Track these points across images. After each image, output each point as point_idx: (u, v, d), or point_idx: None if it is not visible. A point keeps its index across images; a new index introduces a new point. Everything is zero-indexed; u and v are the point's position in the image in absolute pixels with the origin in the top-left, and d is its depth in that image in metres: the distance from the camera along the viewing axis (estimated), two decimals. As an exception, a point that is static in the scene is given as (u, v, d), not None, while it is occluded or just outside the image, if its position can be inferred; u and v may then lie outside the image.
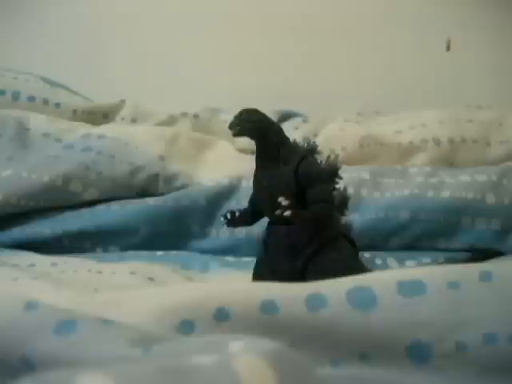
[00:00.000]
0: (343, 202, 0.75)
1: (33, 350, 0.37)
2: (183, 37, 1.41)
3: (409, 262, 0.86)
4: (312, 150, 0.73)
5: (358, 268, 0.69)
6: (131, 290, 0.55)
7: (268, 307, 0.43)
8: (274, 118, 1.20)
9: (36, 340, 0.38)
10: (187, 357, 0.29)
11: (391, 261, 0.87)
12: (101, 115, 1.22)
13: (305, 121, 1.22)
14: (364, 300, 0.43)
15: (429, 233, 0.91)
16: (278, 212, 0.66)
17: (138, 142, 1.02)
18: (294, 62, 1.42)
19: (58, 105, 1.18)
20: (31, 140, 1.05)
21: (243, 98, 1.36)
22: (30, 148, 1.04)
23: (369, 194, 0.94)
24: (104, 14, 1.41)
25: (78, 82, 1.27)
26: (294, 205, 0.67)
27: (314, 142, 0.73)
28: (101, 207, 0.95)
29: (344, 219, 0.76)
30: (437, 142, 1.07)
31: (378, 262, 0.87)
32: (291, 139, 0.74)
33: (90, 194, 0.96)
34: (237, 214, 0.72)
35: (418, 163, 1.05)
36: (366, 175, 0.97)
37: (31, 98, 1.16)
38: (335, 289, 0.44)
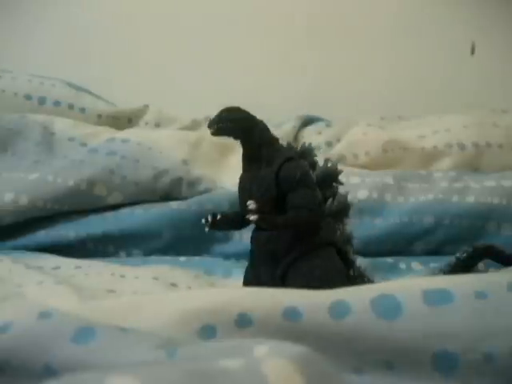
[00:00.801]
0: (343, 210, 0.69)
1: (53, 358, 0.38)
2: (203, 39, 1.41)
3: (433, 265, 0.85)
4: (304, 153, 0.68)
5: (337, 281, 0.62)
6: (153, 295, 0.55)
7: (291, 314, 0.43)
8: (297, 122, 1.20)
9: (54, 348, 0.38)
10: (214, 360, 0.29)
11: (416, 265, 0.86)
12: (125, 120, 1.23)
13: (328, 125, 1.22)
14: (388, 308, 0.43)
15: (453, 238, 0.90)
16: (247, 216, 0.63)
17: (161, 146, 1.02)
18: (316, 66, 1.41)
19: (82, 110, 1.19)
20: (57, 144, 1.07)
21: (266, 102, 1.37)
22: (55, 152, 1.05)
23: (393, 199, 0.93)
24: (103, 14, 1.40)
25: (78, 82, 1.27)
26: (267, 209, 0.63)
27: (310, 145, 0.70)
28: (125, 211, 0.96)
29: (342, 228, 0.70)
30: (461, 146, 1.06)
31: (402, 266, 0.86)
32: (305, 142, 0.70)
33: (114, 197, 0.97)
34: (218, 216, 0.67)
35: (443, 168, 1.05)
36: (389, 180, 0.96)
37: (57, 103, 1.18)
38: (359, 296, 0.44)
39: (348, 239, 0.70)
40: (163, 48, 1.41)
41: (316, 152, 0.70)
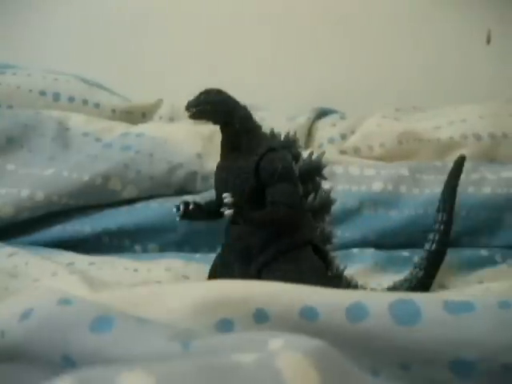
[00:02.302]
0: (325, 206, 0.66)
1: (71, 346, 0.38)
2: (214, 33, 1.40)
3: (448, 259, 0.84)
4: (288, 144, 0.64)
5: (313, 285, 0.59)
6: (171, 285, 0.55)
7: (308, 313, 0.43)
8: (311, 115, 1.19)
9: (73, 336, 0.38)
10: (228, 354, 0.29)
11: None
12: (139, 114, 1.23)
13: (342, 117, 1.22)
14: (407, 313, 0.42)
15: (469, 230, 0.89)
16: (222, 209, 0.59)
17: (175, 140, 1.02)
18: (330, 58, 1.41)
19: (97, 105, 1.20)
20: (71, 140, 1.07)
21: (281, 94, 1.37)
22: (70, 147, 1.06)
23: (408, 191, 0.93)
24: (119, 9, 1.40)
25: (91, 77, 1.27)
26: (243, 203, 0.60)
27: (294, 135, 0.65)
28: (140, 205, 0.97)
29: (323, 226, 0.67)
30: (477, 137, 1.05)
31: (417, 259, 0.85)
32: (289, 132, 0.65)
33: (129, 192, 0.97)
34: (191, 206, 0.63)
35: (459, 159, 1.04)
36: (404, 171, 0.96)
37: (71, 99, 1.18)
38: (378, 300, 0.44)
39: (328, 238, 0.67)
40: (177, 42, 1.41)
41: (298, 144, 0.66)
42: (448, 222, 0.76)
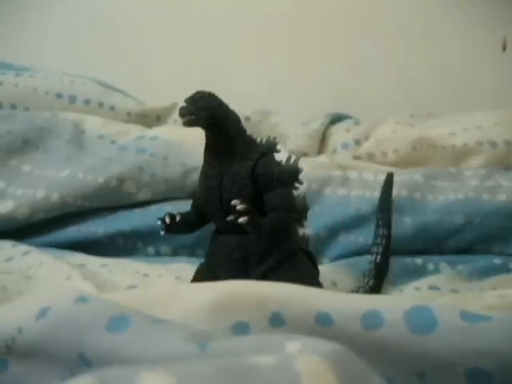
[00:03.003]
0: (303, 211, 0.65)
1: (87, 345, 0.38)
2: (228, 36, 1.41)
3: (460, 267, 0.84)
4: (271, 148, 0.63)
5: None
6: (187, 285, 0.55)
7: (323, 319, 0.43)
8: (325, 120, 1.19)
9: (89, 335, 0.38)
10: (246, 356, 0.29)
11: (444, 266, 0.85)
12: (154, 117, 1.24)
13: (356, 123, 1.21)
14: (423, 321, 0.42)
15: (484, 237, 0.89)
16: (230, 218, 0.57)
17: (190, 143, 1.03)
18: (344, 63, 1.41)
19: (112, 108, 1.20)
20: (87, 142, 1.08)
21: (294, 99, 1.37)
22: (85, 150, 1.07)
23: (422, 197, 0.92)
24: (132, 12, 1.41)
25: (106, 80, 1.28)
26: (252, 210, 0.57)
27: (274, 139, 0.63)
28: (154, 207, 0.97)
29: (301, 231, 0.66)
30: (492, 144, 1.05)
31: (430, 267, 0.85)
32: (270, 136, 0.64)
33: (144, 194, 0.98)
34: (177, 218, 0.61)
35: (473, 166, 1.03)
36: (418, 178, 0.95)
37: (87, 102, 1.19)
38: (393, 308, 0.43)
39: (307, 243, 0.66)
40: (190, 46, 1.41)
41: (277, 147, 0.63)
42: (388, 236, 0.81)
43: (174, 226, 0.62)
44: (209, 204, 0.61)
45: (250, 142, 0.62)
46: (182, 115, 0.59)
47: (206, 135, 0.61)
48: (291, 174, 0.61)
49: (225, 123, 0.60)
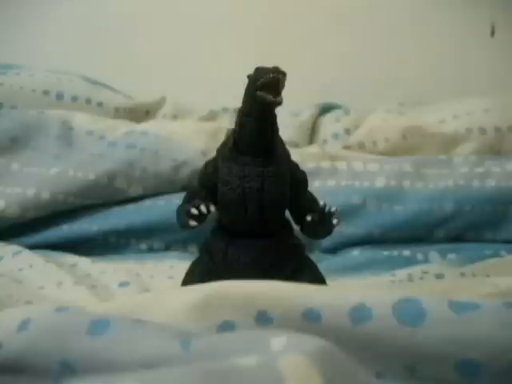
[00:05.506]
0: None
1: (70, 352, 0.38)
2: (219, 30, 1.40)
3: (451, 256, 0.84)
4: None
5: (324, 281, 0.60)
6: (171, 289, 0.55)
7: (311, 315, 0.42)
8: (315, 110, 1.19)
9: (71, 341, 0.38)
10: (228, 357, 0.28)
11: (433, 255, 0.85)
12: (142, 112, 1.23)
13: (346, 113, 1.21)
14: (412, 313, 0.42)
15: (474, 224, 0.89)
16: (335, 222, 0.56)
17: (180, 137, 1.02)
18: (334, 53, 1.40)
19: (100, 104, 1.20)
20: (75, 139, 1.07)
21: (284, 89, 1.36)
22: (74, 147, 1.06)
23: (411, 186, 0.92)
24: (118, 8, 1.40)
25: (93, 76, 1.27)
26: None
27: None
28: (147, 203, 0.97)
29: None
30: (482, 130, 1.05)
31: (420, 257, 0.85)
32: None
33: (135, 190, 0.97)
34: (212, 208, 0.55)
35: (464, 153, 1.03)
36: (408, 167, 0.95)
37: (74, 98, 1.18)
38: (381, 301, 0.43)
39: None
40: (179, 40, 1.40)
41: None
42: None
43: (202, 217, 0.55)
44: (241, 206, 0.56)
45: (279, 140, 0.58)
46: (283, 74, 0.55)
47: (250, 126, 0.55)
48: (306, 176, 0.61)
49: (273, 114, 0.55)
